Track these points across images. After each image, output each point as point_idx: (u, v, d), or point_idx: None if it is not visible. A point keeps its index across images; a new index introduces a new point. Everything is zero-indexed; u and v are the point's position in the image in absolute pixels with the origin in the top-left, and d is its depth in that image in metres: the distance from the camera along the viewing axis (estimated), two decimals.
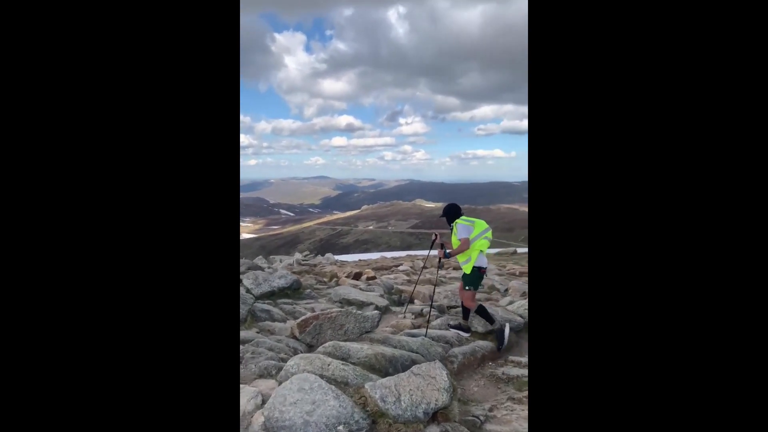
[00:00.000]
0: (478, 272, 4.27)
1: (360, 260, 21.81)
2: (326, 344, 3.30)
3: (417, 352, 3.46)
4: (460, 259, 4.26)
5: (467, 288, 4.31)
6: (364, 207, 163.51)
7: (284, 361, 3.35)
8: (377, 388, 2.54)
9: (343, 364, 2.85)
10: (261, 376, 3.06)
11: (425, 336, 3.97)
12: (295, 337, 3.79)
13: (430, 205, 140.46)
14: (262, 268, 8.03)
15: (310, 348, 3.69)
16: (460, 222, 4.30)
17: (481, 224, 4.30)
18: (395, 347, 3.50)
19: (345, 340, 3.75)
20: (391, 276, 9.66)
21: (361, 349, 3.17)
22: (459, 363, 3.67)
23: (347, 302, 5.65)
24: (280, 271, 6.26)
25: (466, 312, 4.51)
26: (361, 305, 5.62)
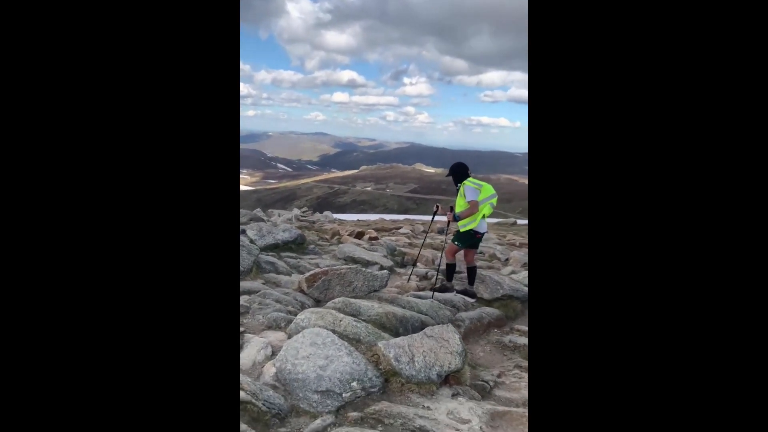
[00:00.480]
0: (474, 236, 4.24)
1: (358, 220, 21.79)
2: (336, 300, 3.24)
3: (426, 314, 3.42)
4: (457, 211, 4.20)
5: (455, 243, 4.28)
6: (363, 167, 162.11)
7: (292, 314, 3.30)
8: (391, 347, 2.50)
9: (355, 320, 2.80)
10: (269, 327, 3.02)
11: (432, 298, 3.93)
12: (302, 291, 3.73)
13: (430, 170, 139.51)
14: (263, 220, 7.94)
15: (318, 303, 3.64)
16: (469, 184, 4.18)
17: (488, 189, 4.19)
18: (404, 308, 3.46)
19: (353, 298, 3.71)
20: (393, 238, 9.61)
21: (372, 307, 3.12)
22: (466, 328, 3.65)
23: (352, 260, 5.60)
24: (283, 224, 6.16)
25: (450, 272, 4.53)
26: (366, 264, 5.57)
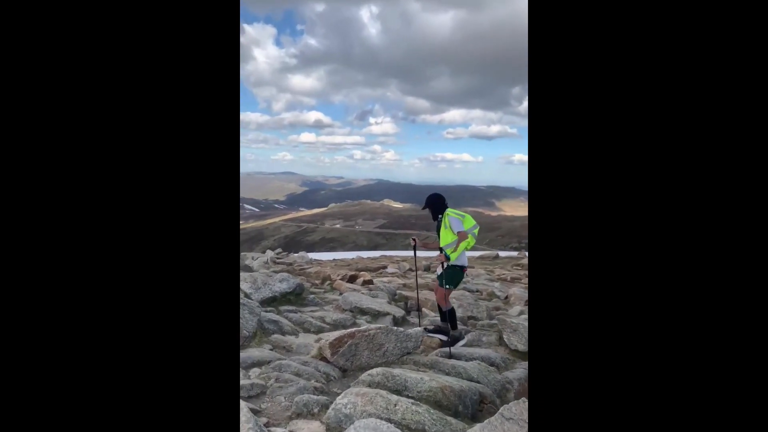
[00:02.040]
0: (461, 271, 3.90)
1: (335, 259, 21.05)
2: (372, 372, 2.67)
3: (478, 381, 2.89)
4: (448, 251, 3.79)
5: (447, 286, 3.88)
6: (332, 205, 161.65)
7: (320, 392, 2.69)
8: None
9: (413, 404, 2.24)
10: (299, 415, 2.39)
11: (449, 355, 3.41)
12: (324, 359, 3.12)
13: (398, 205, 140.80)
14: (252, 268, 7.23)
15: (344, 373, 3.04)
16: (452, 214, 3.84)
17: (469, 219, 3.86)
18: (449, 374, 2.92)
19: (383, 363, 3.13)
20: (385, 280, 9.05)
21: (421, 380, 2.56)
22: (516, 391, 3.14)
23: (360, 311, 5.01)
24: (280, 274, 5.52)
25: (444, 314, 4.05)
26: (377, 315, 4.99)
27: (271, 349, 3.48)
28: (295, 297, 5.20)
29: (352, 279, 8.08)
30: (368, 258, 21.10)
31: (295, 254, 20.84)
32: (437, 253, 3.94)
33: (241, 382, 2.66)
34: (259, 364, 3.07)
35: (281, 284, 5.11)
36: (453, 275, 3.88)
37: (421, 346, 3.62)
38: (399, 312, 5.18)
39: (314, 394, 2.64)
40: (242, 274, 5.24)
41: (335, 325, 4.56)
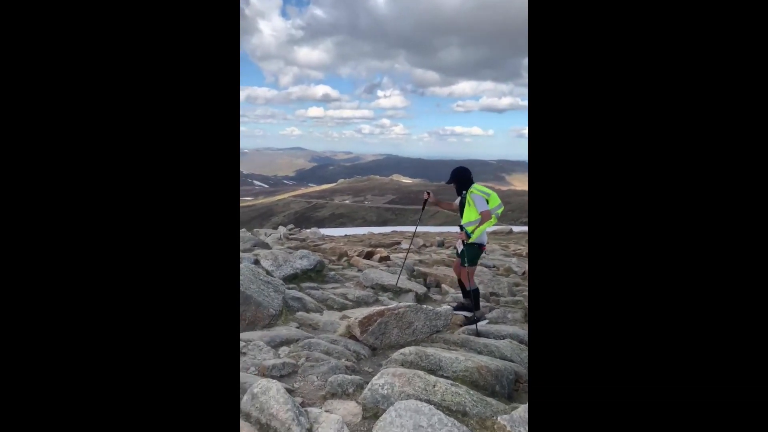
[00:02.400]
0: (479, 249, 3.78)
1: (346, 235, 21.09)
2: (405, 351, 2.61)
3: (512, 359, 2.83)
4: (469, 229, 3.66)
5: (465, 264, 3.76)
6: (341, 181, 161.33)
7: (351, 370, 2.65)
8: (517, 424, 1.89)
9: (452, 385, 2.18)
10: (333, 395, 2.36)
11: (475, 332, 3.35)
12: (353, 338, 3.08)
13: (408, 180, 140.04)
14: (268, 245, 7.20)
15: (374, 351, 3.00)
16: (477, 192, 3.67)
17: (495, 198, 3.70)
18: (482, 353, 2.86)
19: (413, 342, 3.08)
20: (400, 255, 9.01)
21: (456, 359, 2.50)
22: None
23: (381, 288, 4.97)
24: (300, 251, 5.47)
25: (468, 292, 3.94)
26: (398, 292, 4.95)
27: (297, 327, 3.45)
28: (315, 274, 5.16)
29: (368, 255, 8.05)
30: (380, 234, 21.11)
31: (307, 230, 20.90)
32: (453, 228, 3.83)
33: (272, 361, 2.63)
34: (287, 342, 3.04)
35: (302, 261, 5.07)
36: (472, 253, 3.77)
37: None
38: (420, 288, 5.13)
39: (347, 373, 2.60)
40: (261, 251, 5.20)
41: (358, 302, 4.53)
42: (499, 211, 3.74)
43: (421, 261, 8.53)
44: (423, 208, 4.34)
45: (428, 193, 4.04)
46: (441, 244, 13.21)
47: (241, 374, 2.52)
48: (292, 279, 4.84)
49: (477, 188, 3.73)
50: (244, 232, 20.63)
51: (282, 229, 19.38)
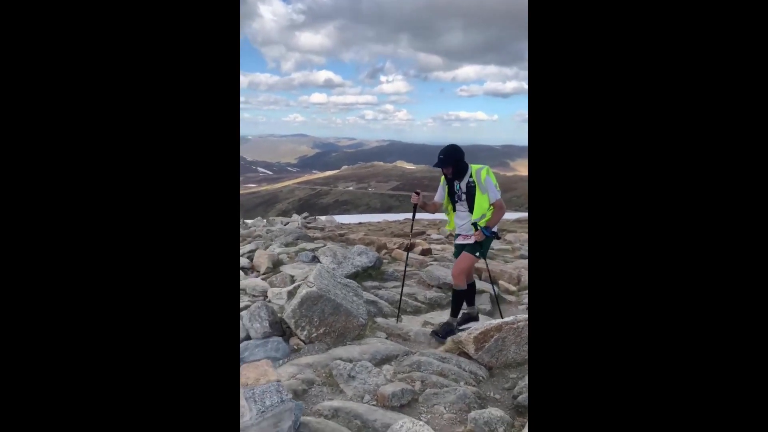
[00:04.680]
0: (495, 237, 3.14)
1: (360, 223, 20.67)
2: None
3: None
4: (482, 223, 2.98)
5: (477, 254, 3.09)
6: (344, 167, 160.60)
7: (479, 397, 2.24)
8: None
9: None
10: None
11: None
12: (464, 354, 2.65)
13: (412, 167, 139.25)
14: (310, 238, 6.78)
15: (491, 371, 2.58)
16: (488, 174, 2.97)
17: (492, 175, 3.03)
18: None
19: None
20: (438, 247, 8.57)
21: None
22: None
23: (449, 287, 4.53)
24: (357, 246, 5.04)
25: (470, 295, 3.29)
26: None
27: (386, 338, 3.04)
28: (374, 271, 4.74)
29: (408, 248, 7.61)
30: (395, 221, 20.66)
31: (322, 218, 20.48)
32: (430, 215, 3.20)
33: (387, 388, 2.21)
34: (388, 359, 2.62)
35: (361, 258, 4.64)
36: (488, 244, 3.15)
37: None
38: (489, 287, 4.69)
39: (478, 401, 2.19)
40: (323, 248, 4.75)
41: (431, 305, 4.11)
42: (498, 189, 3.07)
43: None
44: (414, 214, 3.52)
45: (418, 194, 3.21)
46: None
47: (357, 404, 2.11)
48: (353, 278, 4.41)
49: (484, 170, 2.99)
50: (258, 221, 20.23)
51: (297, 218, 18.98)
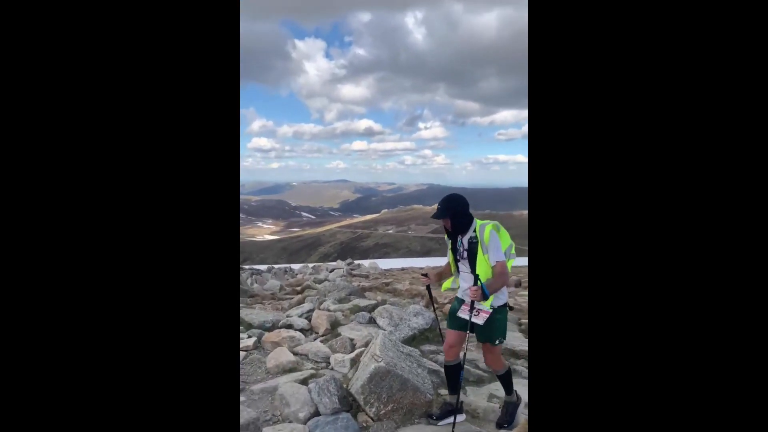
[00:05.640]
0: (508, 310, 2.59)
1: (404, 269, 20.49)
2: None
3: None
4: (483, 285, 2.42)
5: (496, 341, 2.58)
6: (384, 211, 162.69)
7: None
8: None
9: None
10: None
11: None
12: None
13: None
14: (363, 294, 6.79)
15: None
16: (493, 229, 2.51)
17: (504, 235, 2.56)
18: None
19: None
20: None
21: None
22: None
23: (512, 353, 4.32)
24: (412, 306, 4.98)
25: (507, 381, 2.78)
26: None
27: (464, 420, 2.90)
28: (431, 333, 4.62)
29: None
30: (438, 267, 20.31)
31: (366, 263, 20.54)
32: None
33: None
34: None
35: (417, 319, 4.57)
36: (503, 321, 2.56)
37: None
38: None
39: None
40: (379, 309, 4.73)
41: (493, 374, 3.92)
42: (513, 251, 2.59)
43: (521, 308, 7.78)
44: (431, 297, 3.20)
45: (426, 276, 2.87)
46: (518, 284, 12.32)
47: None
48: (410, 341, 4.33)
49: (488, 225, 2.53)
50: (304, 267, 20.48)
51: (342, 264, 19.16)
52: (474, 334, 2.59)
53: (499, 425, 2.78)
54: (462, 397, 3.30)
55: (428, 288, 3.01)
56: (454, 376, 2.75)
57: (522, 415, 2.80)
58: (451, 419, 2.62)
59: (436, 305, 5.23)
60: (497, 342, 2.59)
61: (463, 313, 2.57)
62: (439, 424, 2.69)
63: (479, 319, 2.46)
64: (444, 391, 3.26)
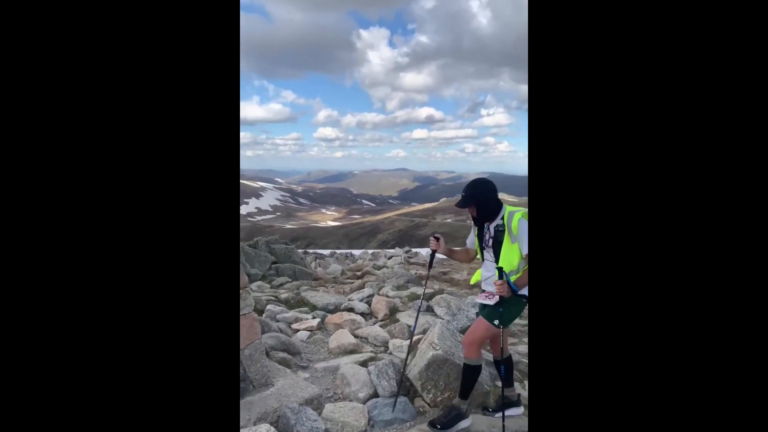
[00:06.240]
0: (525, 303, 2.34)
1: None
2: None
3: None
4: (513, 278, 2.27)
5: (499, 323, 2.33)
6: (443, 200, 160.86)
7: None
8: None
9: None
10: None
11: None
12: None
13: (513, 199, 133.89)
14: (420, 281, 6.87)
15: None
16: (523, 217, 2.26)
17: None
18: None
19: None
20: None
21: None
22: None
23: None
24: (470, 297, 4.99)
25: (508, 371, 2.63)
26: None
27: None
28: None
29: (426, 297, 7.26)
30: None
31: (423, 251, 20.55)
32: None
33: None
34: None
35: (476, 311, 4.56)
36: (516, 311, 2.38)
37: None
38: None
39: None
40: (437, 298, 4.79)
41: None
42: None
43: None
44: (431, 264, 2.91)
45: (437, 239, 2.59)
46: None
47: None
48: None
49: (518, 211, 2.31)
50: (364, 254, 20.93)
51: (400, 252, 19.36)
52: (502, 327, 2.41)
53: (432, 424, 2.46)
54: (518, 389, 3.27)
55: (433, 253, 2.70)
56: (468, 378, 2.49)
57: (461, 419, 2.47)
58: (459, 426, 2.45)
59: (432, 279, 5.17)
60: (496, 323, 2.36)
61: (482, 297, 2.44)
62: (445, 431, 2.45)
63: (491, 300, 2.36)
64: (500, 384, 3.25)
